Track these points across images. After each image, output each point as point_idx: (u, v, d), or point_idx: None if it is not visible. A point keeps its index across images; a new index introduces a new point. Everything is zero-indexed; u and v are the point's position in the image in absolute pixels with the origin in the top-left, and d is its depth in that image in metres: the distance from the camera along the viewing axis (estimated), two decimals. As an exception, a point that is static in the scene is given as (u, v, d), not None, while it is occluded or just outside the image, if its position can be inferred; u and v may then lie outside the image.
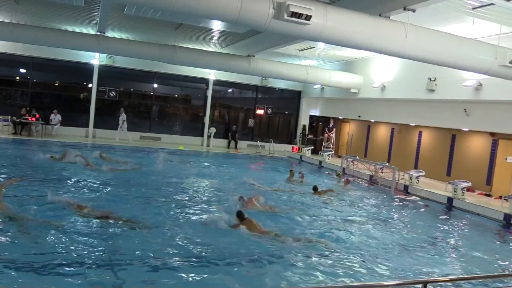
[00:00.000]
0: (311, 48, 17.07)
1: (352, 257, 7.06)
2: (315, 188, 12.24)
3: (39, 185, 10.00)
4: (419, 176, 14.72)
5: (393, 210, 11.82)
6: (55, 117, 20.33)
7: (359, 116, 20.63)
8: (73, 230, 6.95)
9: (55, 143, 17.92)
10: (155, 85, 23.25)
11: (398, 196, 13.57)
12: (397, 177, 14.45)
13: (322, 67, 20.99)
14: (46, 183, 10.25)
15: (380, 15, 9.57)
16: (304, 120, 25.05)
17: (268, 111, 24.80)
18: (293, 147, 23.58)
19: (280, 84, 24.21)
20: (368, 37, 9.49)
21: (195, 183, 12.61)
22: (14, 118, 19.51)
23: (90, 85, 21.42)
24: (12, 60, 20.50)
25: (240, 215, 7.84)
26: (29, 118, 19.37)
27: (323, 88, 21.87)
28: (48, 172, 11.83)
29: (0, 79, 21.95)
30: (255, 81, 23.55)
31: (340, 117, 23.38)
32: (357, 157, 17.84)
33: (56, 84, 22.69)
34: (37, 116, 19.65)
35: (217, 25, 14.83)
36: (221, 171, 15.57)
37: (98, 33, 17.31)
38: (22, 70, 21.43)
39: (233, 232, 7.48)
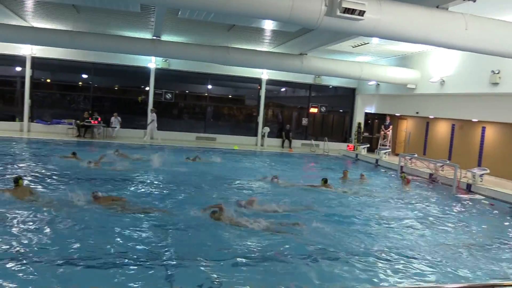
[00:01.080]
0: (365, 44, 16.70)
1: (415, 259, 6.80)
2: (325, 181, 12.06)
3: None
4: (483, 174, 13.97)
5: (455, 209, 11.30)
6: (115, 120, 21.22)
7: (417, 113, 19.94)
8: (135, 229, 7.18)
9: (116, 145, 18.65)
10: (209, 86, 23.64)
11: (460, 195, 12.98)
12: (459, 175, 13.82)
13: (377, 63, 20.50)
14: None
15: (437, 7, 9.19)
16: (359, 118, 24.55)
17: (322, 109, 24.53)
18: (348, 146, 23.19)
19: (334, 82, 23.88)
20: (425, 30, 9.15)
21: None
22: (78, 121, 20.60)
23: (147, 88, 22.13)
24: (74, 66, 21.66)
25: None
26: (92, 121, 20.37)
27: (378, 84, 21.34)
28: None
29: (65, 85, 23.44)
30: (308, 79, 23.36)
31: (397, 114, 22.71)
32: (416, 155, 17.23)
33: (116, 88, 23.64)
34: (99, 119, 20.61)
35: (269, 25, 14.85)
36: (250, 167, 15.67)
37: (154, 37, 17.83)
38: (84, 76, 22.53)
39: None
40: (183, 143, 20.73)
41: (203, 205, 8.57)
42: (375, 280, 5.91)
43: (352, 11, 8.22)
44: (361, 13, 8.28)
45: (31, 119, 21.03)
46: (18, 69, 21.11)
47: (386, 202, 11.33)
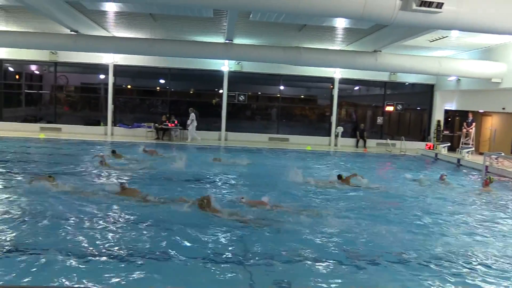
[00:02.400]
0: (443, 37, 15.86)
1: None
2: (339, 177, 11.61)
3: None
4: None
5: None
6: (192, 123, 21.92)
7: (503, 108, 18.61)
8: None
9: (192, 147, 19.30)
10: (281, 87, 23.69)
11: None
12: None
13: (457, 57, 19.42)
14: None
15: (525, -6, 8.54)
16: (438, 115, 23.38)
17: (398, 107, 23.68)
18: (426, 145, 22.16)
19: (410, 79, 22.96)
20: (511, 20, 8.51)
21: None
22: (156, 124, 21.58)
23: (221, 91, 22.64)
24: (153, 72, 22.77)
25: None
26: (169, 124, 21.26)
27: (459, 79, 20.19)
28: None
29: (144, 90, 24.68)
30: (383, 76, 22.66)
31: (480, 111, 21.36)
32: (503, 154, 16.08)
33: (191, 92, 24.44)
34: (176, 122, 21.44)
35: (341, 23, 14.60)
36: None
37: (227, 41, 18.19)
38: (162, 81, 23.54)
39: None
40: (256, 144, 20.95)
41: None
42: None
43: (429, 4, 7.84)
44: (439, 5, 7.87)
45: (114, 123, 22.34)
46: (102, 76, 22.56)
47: (463, 204, 10.66)
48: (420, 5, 7.82)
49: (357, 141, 23.00)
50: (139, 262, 5.76)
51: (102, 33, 18.15)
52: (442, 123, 23.27)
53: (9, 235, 6.56)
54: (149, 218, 7.63)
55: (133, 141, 19.77)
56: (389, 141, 22.48)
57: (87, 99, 24.62)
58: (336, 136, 22.73)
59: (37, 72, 24.15)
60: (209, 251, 6.28)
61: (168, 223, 7.50)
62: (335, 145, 22.71)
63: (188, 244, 6.53)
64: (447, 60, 18.14)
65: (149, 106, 24.38)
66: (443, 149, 20.04)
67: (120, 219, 7.57)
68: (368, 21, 10.57)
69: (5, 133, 20.10)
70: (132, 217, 7.70)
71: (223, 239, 6.88)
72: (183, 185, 11.00)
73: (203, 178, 12.05)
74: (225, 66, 22.00)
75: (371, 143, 23.12)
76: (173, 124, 21.34)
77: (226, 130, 22.61)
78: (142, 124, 22.45)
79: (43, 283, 5.06)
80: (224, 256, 6.15)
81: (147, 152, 15.69)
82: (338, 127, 22.64)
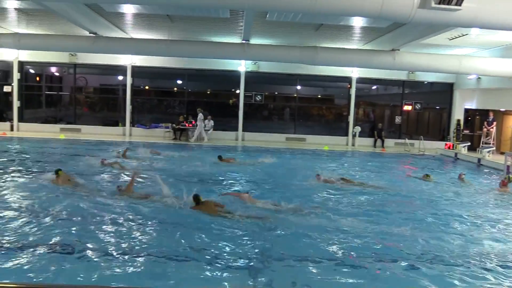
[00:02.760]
0: (463, 35, 15.60)
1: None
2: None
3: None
4: None
5: None
6: (209, 123, 22.02)
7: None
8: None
9: (208, 147, 19.35)
10: (298, 87, 23.62)
11: None
12: None
13: (477, 55, 19.09)
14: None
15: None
16: (458, 115, 23.02)
17: (416, 106, 23.38)
18: (446, 144, 21.84)
19: (429, 77, 22.66)
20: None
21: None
22: (174, 125, 21.73)
23: (237, 91, 22.67)
24: (170, 73, 22.99)
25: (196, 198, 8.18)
26: (186, 124, 21.39)
27: (479, 78, 19.85)
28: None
29: (162, 91, 24.91)
30: (401, 75, 22.42)
31: (502, 109, 20.97)
32: (524, 153, 15.76)
33: (208, 92, 24.52)
34: (193, 122, 21.57)
35: (358, 22, 14.48)
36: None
37: (243, 41, 18.20)
38: (179, 82, 23.69)
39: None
40: (273, 144, 20.93)
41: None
42: None
43: (448, 1, 7.72)
44: (459, 2, 7.74)
45: (132, 123, 22.55)
46: (120, 78, 22.82)
47: (477, 203, 10.46)
48: (439, 3, 7.70)
49: (375, 141, 22.79)
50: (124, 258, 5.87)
51: (120, 34, 18.34)
52: (462, 122, 22.91)
53: (34, 232, 6.71)
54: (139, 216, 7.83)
55: (152, 141, 19.96)
56: (407, 141, 22.22)
57: (105, 100, 24.92)
58: (354, 136, 22.56)
59: (57, 74, 24.55)
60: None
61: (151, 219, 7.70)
62: (353, 145, 22.55)
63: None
64: (467, 58, 17.84)
65: (166, 106, 24.57)
66: (463, 149, 19.72)
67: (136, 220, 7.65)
68: (386, 19, 10.47)
69: (27, 134, 20.55)
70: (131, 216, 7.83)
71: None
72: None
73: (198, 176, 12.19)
74: (242, 66, 22.03)
75: (389, 142, 22.89)
76: (190, 125, 21.47)
77: (243, 130, 22.63)
78: (159, 124, 22.63)
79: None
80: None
81: (154, 153, 16.00)
82: (356, 127, 22.48)
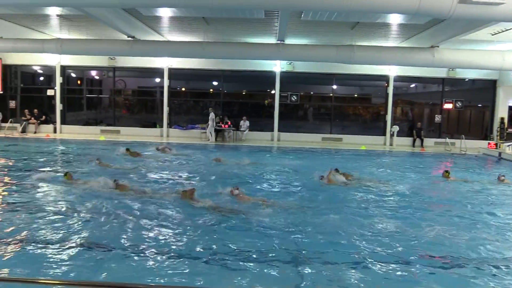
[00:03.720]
0: (507, 30, 15.00)
1: None
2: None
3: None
4: None
5: None
6: (244, 124, 22.14)
7: None
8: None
9: (244, 148, 19.45)
10: (334, 86, 23.37)
11: None
12: None
13: (522, 50, 18.34)
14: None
15: None
16: (502, 112, 22.18)
17: (457, 104, 22.69)
18: (489, 143, 21.09)
19: (470, 74, 21.95)
20: None
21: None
22: (210, 126, 21.90)
23: (273, 92, 22.66)
24: (206, 75, 23.25)
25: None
26: (222, 125, 21.56)
27: (524, 74, 19.09)
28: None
29: (198, 92, 25.21)
30: (440, 73, 21.81)
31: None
32: None
33: (244, 93, 24.63)
34: (229, 123, 21.72)
35: (395, 19, 14.19)
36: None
37: (278, 41, 18.18)
38: (215, 83, 23.89)
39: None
40: (309, 144, 20.81)
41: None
42: None
43: (490, -4, 7.45)
44: (502, -4, 7.46)
45: (169, 125, 22.93)
46: (157, 80, 23.25)
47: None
48: (481, -3, 7.46)
49: (414, 140, 22.27)
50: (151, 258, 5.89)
51: (157, 37, 18.68)
52: (506, 120, 22.05)
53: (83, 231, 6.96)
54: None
55: (189, 142, 20.25)
56: (447, 140, 21.61)
57: (143, 102, 25.48)
58: (392, 135, 22.13)
59: (97, 77, 25.29)
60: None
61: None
62: (391, 144, 22.11)
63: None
64: (511, 54, 17.18)
65: (202, 108, 24.84)
66: (507, 148, 18.99)
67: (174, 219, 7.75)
68: (424, 16, 10.20)
69: (69, 136, 21.28)
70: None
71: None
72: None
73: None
74: (277, 66, 22.01)
75: (429, 142, 22.32)
76: (226, 125, 21.62)
77: (279, 130, 22.59)
78: (196, 125, 22.91)
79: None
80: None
81: (160, 150, 16.53)
82: (394, 126, 22.03)
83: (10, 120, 22.56)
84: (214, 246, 6.45)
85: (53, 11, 14.92)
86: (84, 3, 11.42)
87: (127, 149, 15.31)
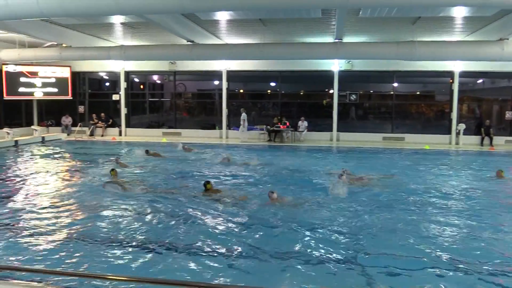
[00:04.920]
0: None
1: None
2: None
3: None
4: None
5: None
6: (303, 124, 22.03)
7: None
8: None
9: (303, 148, 19.35)
10: (395, 84, 22.68)
11: None
12: None
13: None
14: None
15: None
16: None
17: (530, 100, 21.30)
18: None
19: (545, 67, 20.54)
20: None
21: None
22: (268, 127, 22.04)
23: (331, 91, 22.36)
24: (263, 76, 23.46)
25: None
26: (280, 126, 21.58)
27: None
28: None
29: (256, 94, 25.41)
30: (510, 67, 20.53)
31: None
32: None
33: (301, 93, 24.48)
34: (287, 124, 21.70)
35: (459, 12, 13.53)
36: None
37: (336, 40, 17.91)
38: (272, 84, 23.96)
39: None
40: (370, 144, 20.36)
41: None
42: None
43: None
44: None
45: (228, 126, 23.25)
46: (216, 82, 23.69)
47: None
48: (556, -16, 6.93)
49: (482, 139, 21.12)
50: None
51: (215, 41, 19.00)
52: None
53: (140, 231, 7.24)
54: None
55: (249, 143, 20.46)
56: (520, 138, 20.32)
57: (203, 104, 26.02)
58: (458, 133, 21.12)
59: (158, 81, 26.19)
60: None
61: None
62: (457, 143, 21.11)
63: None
64: None
65: (260, 109, 24.99)
66: None
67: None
68: (491, 7, 9.65)
69: (133, 138, 22.20)
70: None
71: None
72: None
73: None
74: (335, 65, 21.69)
75: (499, 140, 21.07)
76: (284, 126, 21.63)
77: (338, 130, 22.25)
78: (254, 127, 23.06)
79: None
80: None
81: (186, 149, 16.97)
82: (460, 124, 21.01)
83: (79, 124, 23.86)
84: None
85: (117, 20, 15.58)
86: (145, 10, 11.82)
87: (147, 151, 15.77)
